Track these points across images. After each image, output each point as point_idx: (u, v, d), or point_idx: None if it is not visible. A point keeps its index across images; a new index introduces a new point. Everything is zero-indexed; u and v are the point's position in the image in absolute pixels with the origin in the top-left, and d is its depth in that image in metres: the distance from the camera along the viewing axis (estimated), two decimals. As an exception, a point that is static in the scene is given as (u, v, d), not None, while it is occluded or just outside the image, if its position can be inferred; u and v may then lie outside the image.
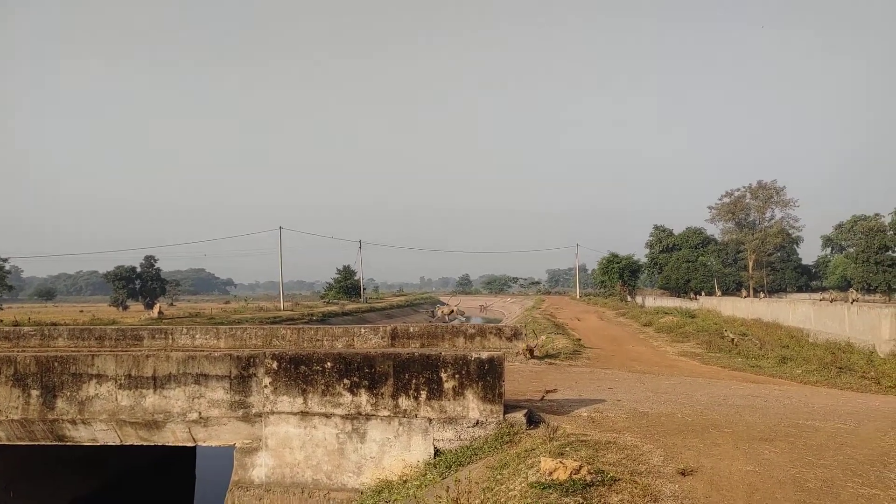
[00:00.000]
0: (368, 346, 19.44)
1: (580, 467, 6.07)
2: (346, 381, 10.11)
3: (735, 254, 79.04)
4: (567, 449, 7.43)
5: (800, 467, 6.59)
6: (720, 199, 77.10)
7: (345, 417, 10.09)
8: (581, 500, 5.38)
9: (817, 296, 56.06)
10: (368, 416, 10.01)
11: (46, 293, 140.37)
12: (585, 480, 5.84)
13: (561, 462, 6.13)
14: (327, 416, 10.15)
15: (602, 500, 5.50)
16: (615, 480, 6.00)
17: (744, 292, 65.79)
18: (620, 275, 76.09)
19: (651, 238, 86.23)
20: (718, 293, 57.85)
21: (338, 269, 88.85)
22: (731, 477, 6.26)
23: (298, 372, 10.27)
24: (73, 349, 20.54)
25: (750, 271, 73.04)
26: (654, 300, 63.41)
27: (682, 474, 6.33)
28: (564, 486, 5.72)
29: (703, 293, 60.35)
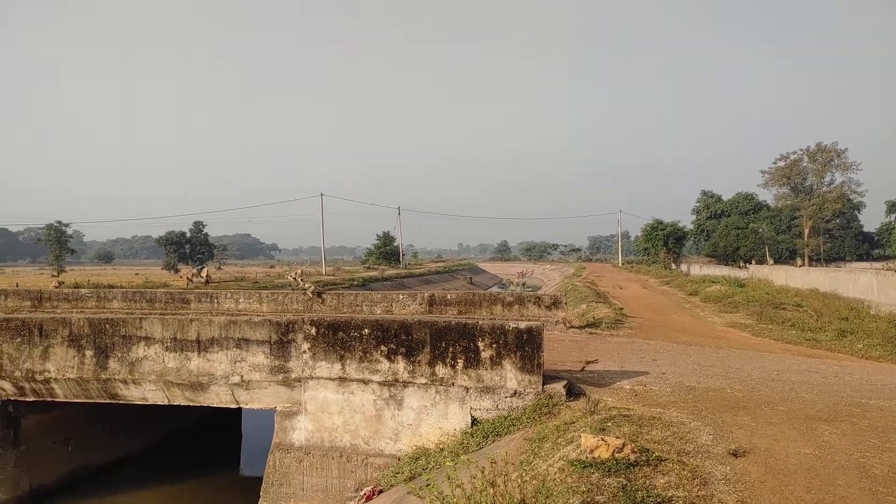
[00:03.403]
0: (406, 312, 19.42)
1: (623, 445, 5.80)
2: (383, 347, 10.04)
3: (789, 220, 76.03)
4: (609, 424, 7.16)
5: (864, 451, 6.15)
6: (774, 163, 73.89)
7: (382, 384, 10.04)
8: (624, 482, 5.11)
9: (879, 265, 53.58)
10: (405, 384, 9.94)
11: (105, 256, 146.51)
12: (629, 460, 5.58)
13: (603, 439, 5.87)
14: (365, 382, 10.12)
15: (647, 481, 5.23)
16: (661, 460, 5.71)
17: (798, 261, 63.43)
18: (665, 242, 74.21)
19: (698, 204, 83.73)
20: (770, 262, 55.90)
21: (378, 236, 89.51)
22: (788, 460, 5.89)
23: (336, 338, 10.25)
24: (126, 311, 21.16)
25: (805, 239, 70.16)
26: (700, 268, 61.83)
27: (734, 455, 5.99)
28: (606, 465, 5.46)
29: (753, 262, 58.48)
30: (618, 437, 6.04)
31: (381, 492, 8.86)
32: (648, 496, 4.87)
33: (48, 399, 12.31)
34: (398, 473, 8.96)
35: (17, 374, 12.00)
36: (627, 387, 9.67)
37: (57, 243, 69.90)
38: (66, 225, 72.88)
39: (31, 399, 12.33)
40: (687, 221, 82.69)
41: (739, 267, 56.78)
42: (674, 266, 70.64)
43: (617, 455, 5.63)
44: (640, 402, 8.59)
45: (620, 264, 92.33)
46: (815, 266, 56.06)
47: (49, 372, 11.88)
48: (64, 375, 11.78)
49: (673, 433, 6.80)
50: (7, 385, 12.17)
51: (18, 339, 12.02)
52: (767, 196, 77.22)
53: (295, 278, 35.54)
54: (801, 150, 71.51)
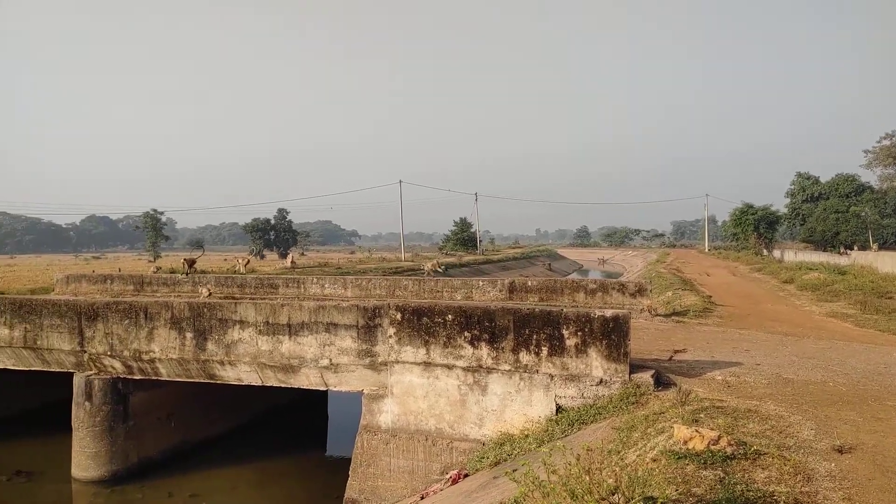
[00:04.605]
0: (486, 298, 19.47)
1: (719, 437, 5.62)
2: (466, 333, 10.14)
3: (896, 203, 70.31)
4: (701, 415, 6.96)
5: None
6: (879, 142, 68.54)
7: (466, 370, 10.15)
8: (722, 475, 4.96)
9: None
10: (489, 370, 10.01)
11: (196, 243, 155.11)
12: (725, 452, 5.41)
13: (697, 431, 5.71)
14: (449, 367, 10.27)
15: (746, 475, 5.05)
16: (760, 454, 5.51)
17: (905, 247, 58.74)
18: (756, 227, 70.42)
19: (793, 186, 78.70)
20: (874, 248, 51.98)
21: (455, 222, 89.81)
22: (900, 458, 5.55)
23: (421, 323, 10.43)
24: (219, 296, 22.31)
25: (913, 223, 64.84)
26: (794, 255, 58.40)
27: (839, 451, 5.69)
28: (702, 457, 5.32)
29: (855, 247, 54.62)
30: (712, 429, 5.87)
31: (466, 476, 8.99)
32: (748, 490, 4.71)
33: (153, 378, 13.18)
34: (483, 458, 9.06)
35: (126, 353, 12.93)
36: (719, 378, 9.34)
37: (153, 230, 74.50)
38: (161, 213, 77.58)
39: (138, 377, 13.24)
40: (780, 205, 78.18)
41: (839, 253, 53.19)
42: (765, 252, 67.08)
43: (712, 447, 5.46)
44: (733, 393, 8.30)
45: (707, 250, 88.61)
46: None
47: (154, 352, 12.72)
48: (167, 356, 12.60)
49: (771, 427, 6.54)
50: (117, 364, 13.14)
51: (126, 322, 12.93)
52: (871, 177, 71.80)
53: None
54: (911, 126, 65.70)
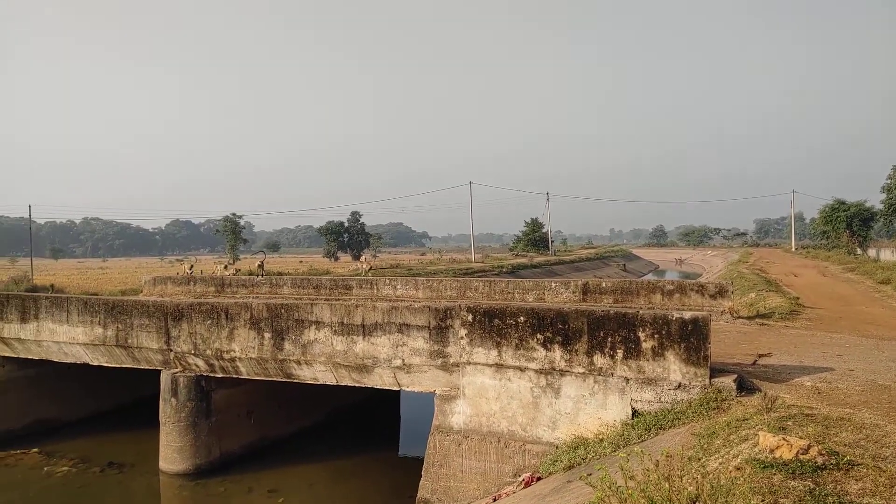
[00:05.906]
0: (559, 300, 19.21)
1: (808, 447, 5.31)
2: (539, 335, 10.04)
3: None
4: (789, 423, 6.60)
5: None
6: None
7: (538, 372, 10.05)
8: (812, 486, 4.68)
9: None
10: (562, 372, 9.87)
11: (273, 245, 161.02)
12: (816, 462, 5.10)
13: (784, 439, 5.42)
14: (521, 369, 10.19)
15: (838, 486, 4.75)
16: (853, 465, 5.17)
17: None
18: (848, 224, 66.24)
19: (889, 181, 73.52)
20: (983, 245, 47.78)
21: (525, 222, 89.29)
22: None
23: (492, 325, 10.41)
24: (294, 297, 23.05)
25: None
26: (892, 253, 54.57)
27: (944, 465, 5.27)
28: (790, 466, 5.04)
29: (960, 245, 50.40)
30: (801, 438, 5.56)
31: (539, 479, 8.90)
32: (840, 502, 4.42)
33: (233, 376, 13.72)
34: (556, 461, 8.94)
35: (209, 352, 13.53)
36: (808, 383, 8.84)
37: (232, 234, 77.90)
38: (240, 217, 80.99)
39: (220, 375, 13.82)
40: (876, 201, 73.16)
41: (943, 251, 49.24)
42: (859, 251, 62.99)
43: (801, 457, 5.17)
44: (824, 400, 7.83)
45: (794, 249, 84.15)
46: None
47: (234, 351, 13.24)
48: (246, 355, 13.09)
49: (866, 436, 6.13)
50: (200, 362, 13.78)
51: (209, 322, 13.52)
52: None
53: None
54: None
